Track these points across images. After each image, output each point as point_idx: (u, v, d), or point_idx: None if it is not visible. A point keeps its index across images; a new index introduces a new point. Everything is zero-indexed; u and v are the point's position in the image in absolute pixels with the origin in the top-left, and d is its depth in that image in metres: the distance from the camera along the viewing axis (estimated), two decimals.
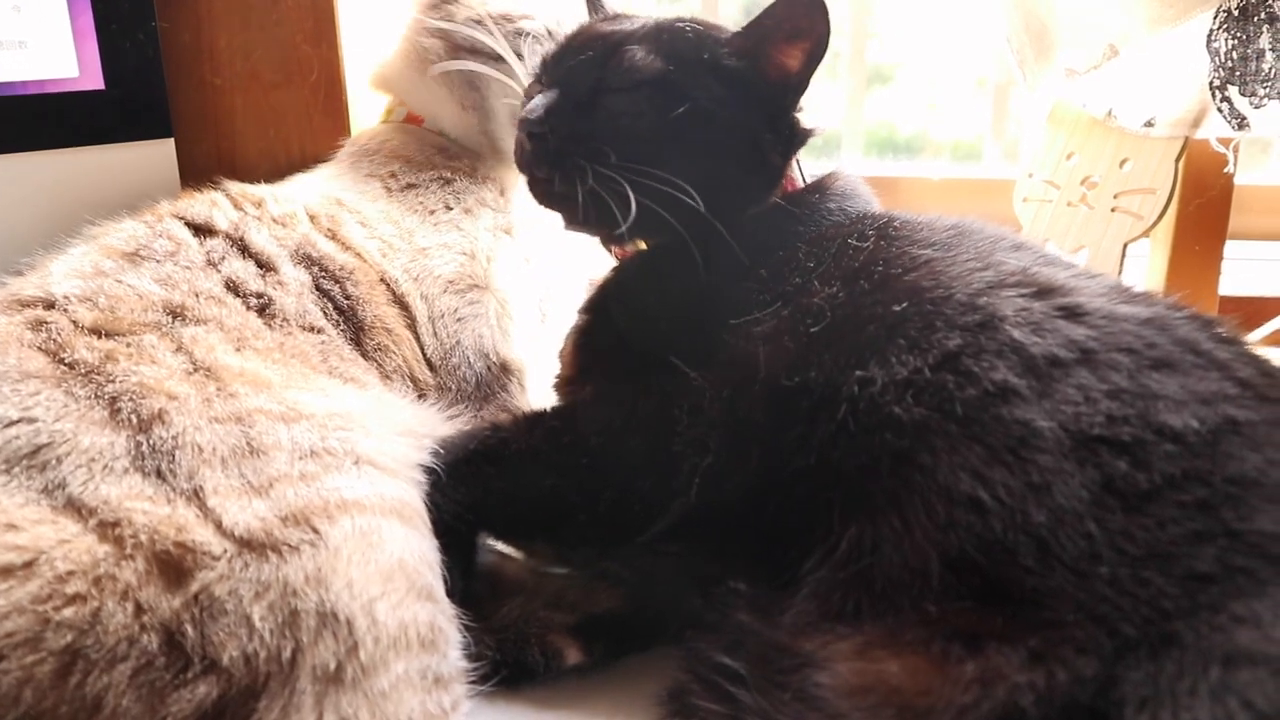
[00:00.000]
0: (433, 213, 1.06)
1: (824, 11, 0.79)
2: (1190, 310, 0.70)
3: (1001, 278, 0.71)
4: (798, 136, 0.87)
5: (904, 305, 0.71)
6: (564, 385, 0.94)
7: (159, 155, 1.16)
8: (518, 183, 1.14)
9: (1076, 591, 0.55)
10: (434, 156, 1.11)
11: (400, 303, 1.00)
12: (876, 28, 1.81)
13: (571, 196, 0.81)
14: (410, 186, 1.08)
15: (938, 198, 1.61)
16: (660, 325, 0.83)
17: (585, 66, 0.84)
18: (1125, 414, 0.60)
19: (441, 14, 1.13)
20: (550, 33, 1.11)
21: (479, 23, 1.10)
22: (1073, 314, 0.67)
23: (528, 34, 1.10)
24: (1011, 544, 0.58)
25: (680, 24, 0.85)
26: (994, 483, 0.60)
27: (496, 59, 1.10)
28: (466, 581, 0.78)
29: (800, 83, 0.84)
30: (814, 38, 0.81)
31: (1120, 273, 1.24)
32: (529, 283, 1.10)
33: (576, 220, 0.86)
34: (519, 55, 1.09)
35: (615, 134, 0.81)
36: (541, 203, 0.88)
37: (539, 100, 0.83)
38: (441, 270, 1.02)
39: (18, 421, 0.69)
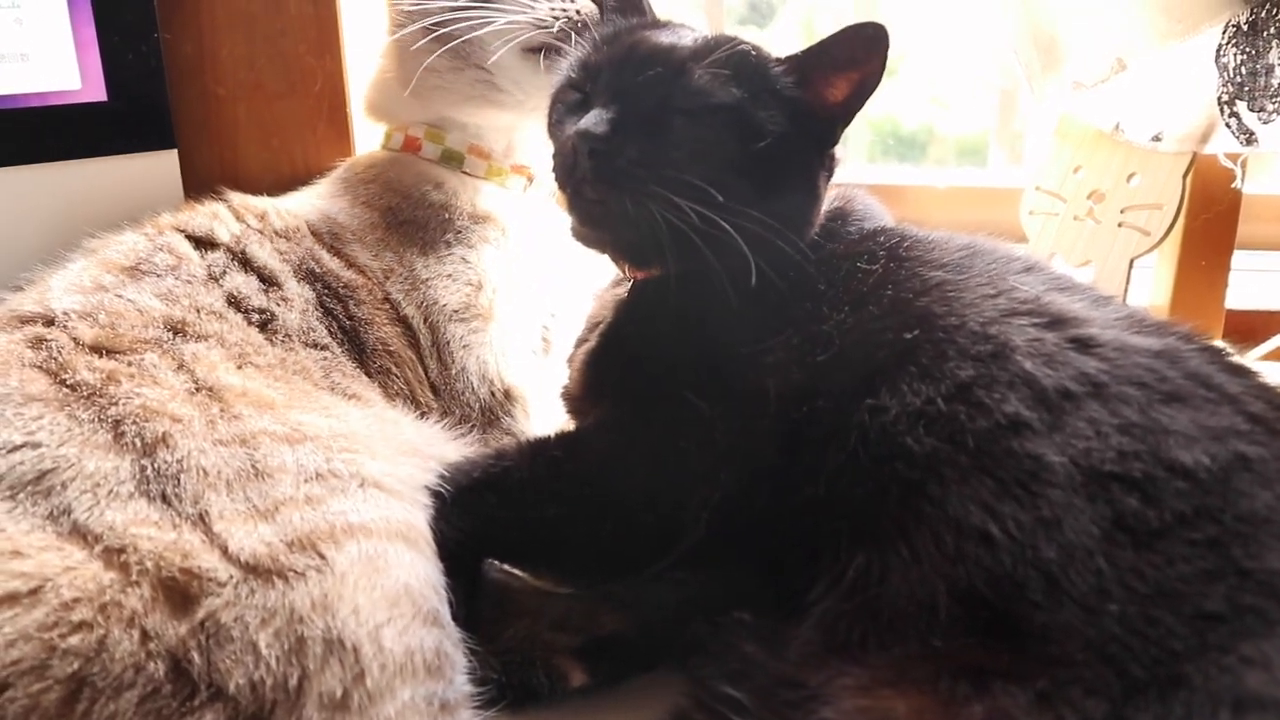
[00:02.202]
0: (434, 246, 1.05)
1: (884, 46, 0.78)
2: (1202, 341, 0.71)
3: (1014, 306, 0.71)
4: (835, 167, 0.87)
5: (915, 333, 0.71)
6: (571, 401, 0.94)
7: (162, 166, 1.17)
8: (523, 200, 1.14)
9: (1085, 629, 0.55)
10: (431, 193, 1.09)
11: (404, 322, 1.01)
12: (882, 18, 1.81)
13: (628, 220, 0.78)
14: (409, 222, 1.06)
15: (943, 206, 1.61)
16: (676, 354, 0.82)
17: (651, 84, 0.80)
18: (1136, 449, 0.60)
19: None
20: None
21: None
22: (1085, 345, 0.67)
23: None
24: (1021, 579, 0.58)
25: (740, 45, 0.82)
26: (1004, 516, 0.60)
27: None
28: (471, 605, 0.79)
29: (848, 113, 0.83)
30: (868, 70, 0.80)
31: (1127, 287, 1.24)
32: (532, 309, 1.10)
33: (619, 244, 0.85)
34: None
35: (687, 160, 0.78)
36: (584, 224, 0.84)
37: (601, 115, 0.78)
38: (447, 300, 1.03)
39: (22, 446, 0.70)
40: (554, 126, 0.87)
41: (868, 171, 1.76)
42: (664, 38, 0.84)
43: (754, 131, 0.79)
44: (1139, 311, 0.75)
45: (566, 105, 0.86)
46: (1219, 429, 0.61)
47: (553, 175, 0.84)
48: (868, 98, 0.82)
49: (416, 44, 1.07)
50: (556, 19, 1.03)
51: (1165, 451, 0.60)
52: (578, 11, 1.04)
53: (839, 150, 0.87)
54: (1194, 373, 0.65)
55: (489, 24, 1.01)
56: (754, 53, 0.83)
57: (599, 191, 0.79)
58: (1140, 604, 0.55)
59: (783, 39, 1.88)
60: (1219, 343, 0.72)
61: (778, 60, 0.83)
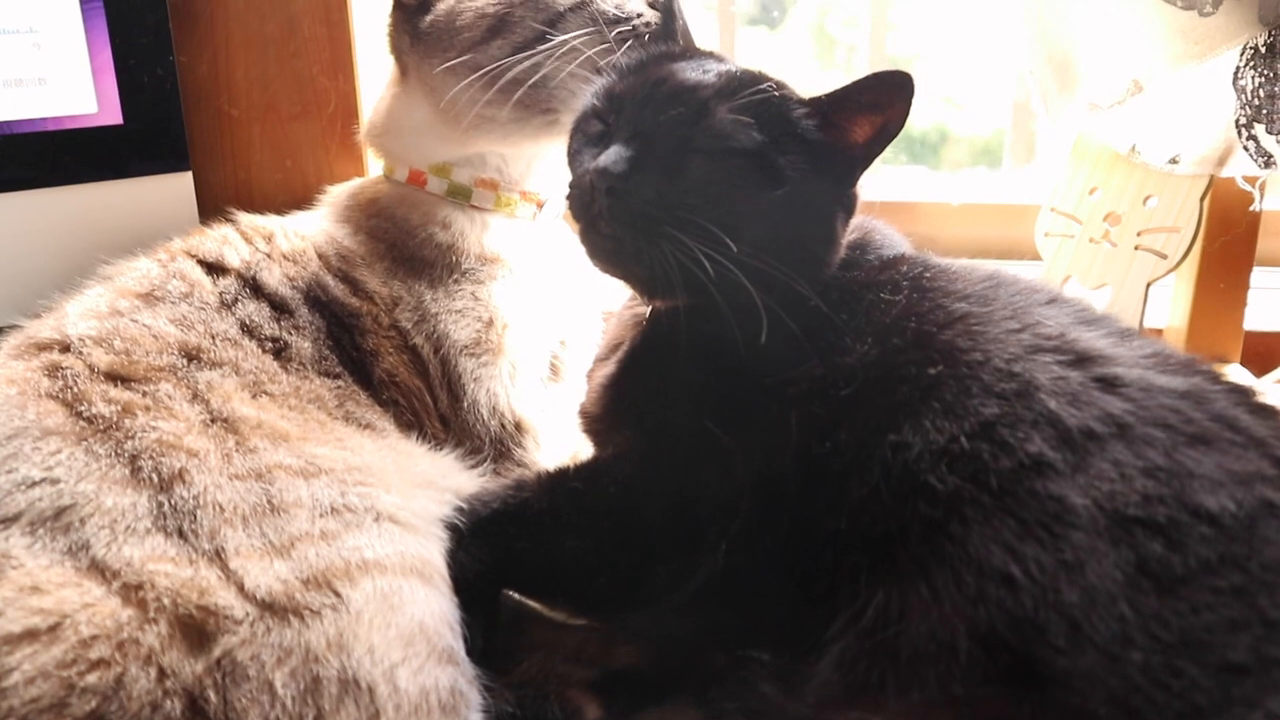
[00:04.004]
0: (443, 282, 1.04)
1: (909, 93, 0.79)
2: (1229, 382, 0.71)
3: (1038, 342, 0.72)
4: (855, 206, 0.87)
5: (939, 368, 0.71)
6: (588, 420, 0.94)
7: (177, 187, 1.18)
8: (532, 229, 1.13)
9: (1108, 677, 0.55)
10: (438, 233, 1.07)
11: (412, 351, 1.01)
12: (895, 19, 1.81)
13: (641, 259, 0.79)
14: (416, 259, 1.05)
15: (957, 222, 1.60)
16: (696, 383, 0.83)
17: (673, 123, 0.81)
18: (1161, 493, 0.60)
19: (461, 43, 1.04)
20: None
21: (501, 15, 1.02)
22: (1110, 385, 0.67)
23: None
24: (1042, 622, 0.58)
25: (764, 84, 0.82)
26: (1026, 558, 0.60)
27: (538, 40, 1.01)
28: (487, 639, 0.79)
29: (869, 155, 0.83)
30: (891, 114, 0.80)
31: (1144, 311, 1.24)
32: (542, 339, 1.10)
33: (632, 278, 0.85)
34: (558, 15, 1.01)
35: (703, 203, 0.78)
36: (596, 256, 0.84)
37: (620, 153, 0.79)
38: (458, 335, 1.02)
39: (41, 482, 0.71)
40: (573, 156, 0.88)
41: (879, 173, 1.75)
42: (690, 74, 0.84)
43: (774, 177, 0.79)
44: (1164, 348, 0.75)
45: (587, 136, 0.87)
46: (1245, 473, 0.61)
47: (567, 205, 0.84)
48: (889, 142, 0.82)
49: (474, 94, 1.03)
50: (626, 33, 1.02)
51: (1190, 496, 0.60)
52: (646, 24, 1.03)
53: (860, 190, 0.87)
54: (1220, 415, 0.65)
55: (561, 69, 1.00)
56: (777, 94, 0.83)
57: (614, 228, 0.79)
58: (1164, 653, 0.54)
59: (793, 41, 1.87)
60: (1243, 379, 0.72)
61: (801, 101, 0.84)
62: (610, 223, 0.79)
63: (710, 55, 0.91)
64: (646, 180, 0.78)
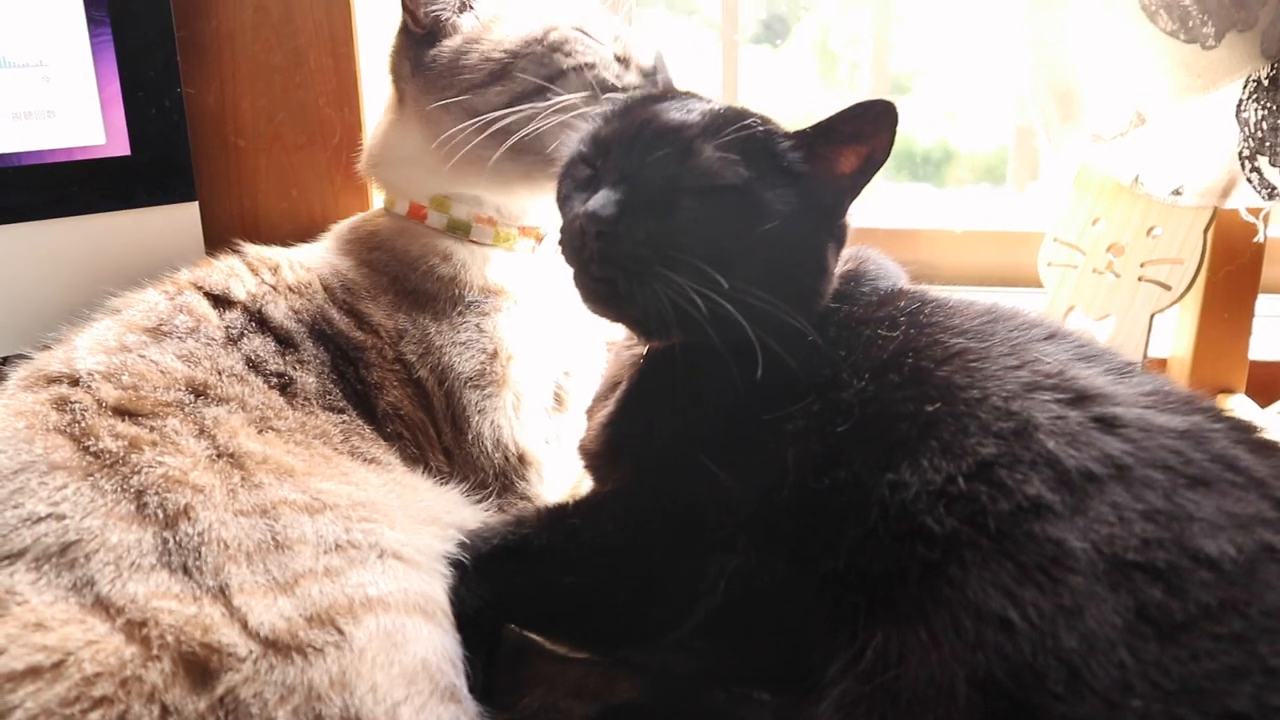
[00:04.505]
0: (447, 315, 1.05)
1: (893, 122, 0.80)
2: (1229, 419, 0.71)
3: (1037, 379, 0.72)
4: (846, 236, 0.88)
5: (937, 405, 0.71)
6: (589, 457, 0.95)
7: (183, 217, 1.19)
8: (531, 262, 1.14)
9: None
10: (439, 266, 1.08)
11: (416, 384, 1.01)
12: (898, 37, 1.82)
13: (635, 300, 0.80)
14: (418, 292, 1.06)
15: (960, 250, 1.61)
16: (693, 420, 0.83)
17: (660, 164, 0.81)
18: (1160, 537, 0.60)
19: (460, 86, 1.05)
20: (583, 31, 1.07)
21: (505, 64, 1.05)
22: (1109, 425, 0.68)
23: (563, 44, 1.05)
24: (1041, 668, 0.58)
25: (748, 121, 0.84)
26: (1024, 602, 0.60)
27: (536, 93, 1.03)
28: (489, 674, 0.79)
29: (857, 186, 0.84)
30: (876, 144, 0.81)
31: (1148, 342, 1.24)
32: (546, 370, 1.11)
33: (626, 320, 0.85)
34: (560, 73, 1.04)
35: (693, 242, 0.79)
36: (590, 300, 0.85)
37: (609, 196, 0.80)
38: (462, 368, 1.03)
39: (46, 518, 0.72)
40: (563, 201, 0.89)
41: (882, 193, 1.75)
42: (674, 114, 0.85)
43: (762, 212, 0.80)
44: (1164, 384, 0.75)
45: (575, 181, 0.88)
46: (1245, 517, 0.61)
47: (559, 250, 0.86)
48: (876, 171, 0.83)
49: (466, 136, 1.03)
50: (621, 86, 1.05)
51: (1190, 540, 0.60)
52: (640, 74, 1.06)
53: (849, 219, 0.88)
54: (1220, 455, 0.66)
55: (552, 122, 1.01)
56: (762, 129, 0.84)
57: (605, 271, 0.80)
58: (1164, 701, 0.54)
59: (796, 59, 1.89)
60: (1248, 409, 0.71)
61: (785, 135, 0.85)
62: (602, 266, 0.80)
63: (692, 95, 0.92)
64: (636, 222, 0.79)
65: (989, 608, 0.61)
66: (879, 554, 0.68)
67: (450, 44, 1.07)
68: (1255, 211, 1.19)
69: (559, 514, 0.85)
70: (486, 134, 1.02)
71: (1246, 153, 1.12)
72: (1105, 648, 0.57)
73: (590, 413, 0.99)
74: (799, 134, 0.84)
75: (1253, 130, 1.10)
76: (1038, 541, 0.62)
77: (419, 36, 1.09)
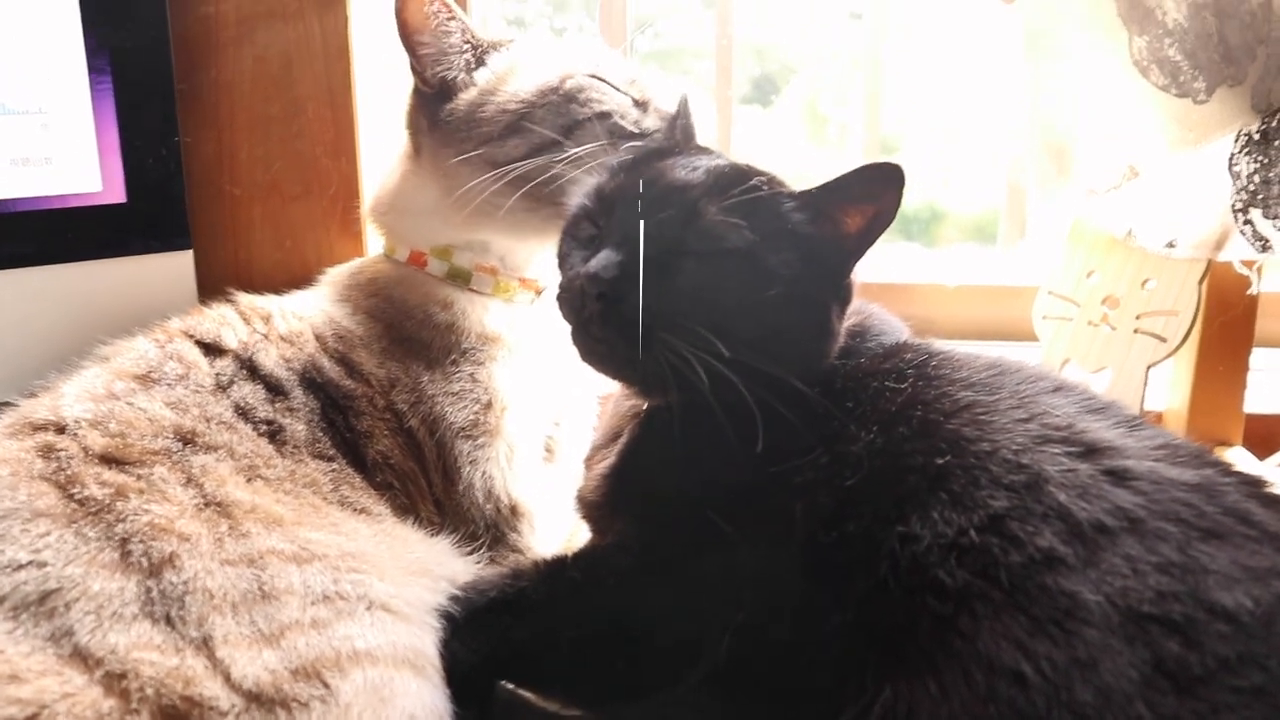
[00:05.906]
0: (440, 364, 1.04)
1: (900, 183, 0.80)
2: (1239, 473, 0.70)
3: (1046, 432, 0.71)
4: (851, 295, 0.87)
5: (947, 458, 0.71)
6: (588, 508, 0.94)
7: (177, 266, 1.19)
8: (529, 313, 1.13)
9: None
10: (438, 314, 1.07)
11: (407, 434, 1.00)
12: (887, 98, 1.85)
13: (634, 363, 0.79)
14: (413, 339, 1.05)
15: (954, 304, 1.61)
16: (697, 474, 0.82)
17: (663, 225, 0.81)
18: (1175, 590, 0.59)
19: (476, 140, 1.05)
20: (599, 77, 1.07)
21: (522, 115, 1.04)
22: (1120, 478, 0.67)
23: (579, 93, 1.05)
24: None
25: (753, 178, 0.84)
26: (1037, 655, 0.59)
27: (553, 144, 1.03)
28: None
29: (862, 247, 0.84)
30: (883, 205, 0.82)
31: (1144, 394, 1.24)
32: (538, 421, 1.09)
33: (624, 380, 0.85)
34: (576, 123, 1.04)
35: (695, 307, 0.79)
36: (588, 358, 0.85)
37: (611, 258, 0.80)
38: (455, 418, 1.02)
39: (27, 565, 0.70)
40: (564, 258, 0.89)
41: (872, 252, 1.76)
42: (679, 172, 0.85)
43: (766, 277, 0.80)
44: (1173, 438, 0.75)
45: (577, 239, 0.88)
46: (1260, 569, 0.60)
47: (558, 306, 0.86)
48: (882, 231, 0.83)
49: (483, 185, 1.03)
50: (640, 131, 1.05)
51: (1206, 593, 0.59)
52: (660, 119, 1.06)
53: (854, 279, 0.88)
54: (1232, 508, 0.65)
55: (570, 172, 1.01)
56: (767, 189, 0.84)
57: (605, 332, 0.80)
58: None
59: (786, 119, 1.91)
60: (1245, 461, 0.71)
61: (791, 195, 0.85)
62: (602, 327, 0.80)
63: (702, 150, 0.92)
64: (637, 285, 0.79)
65: (1001, 661, 0.60)
66: (889, 607, 0.67)
67: (466, 97, 1.07)
68: (1249, 264, 1.20)
69: (558, 567, 0.84)
70: (504, 181, 1.02)
71: (1239, 205, 1.13)
72: (1121, 701, 0.56)
73: (590, 462, 0.98)
74: (804, 194, 0.84)
75: (1245, 183, 1.11)
76: (1051, 594, 0.61)
77: (431, 95, 1.09)
